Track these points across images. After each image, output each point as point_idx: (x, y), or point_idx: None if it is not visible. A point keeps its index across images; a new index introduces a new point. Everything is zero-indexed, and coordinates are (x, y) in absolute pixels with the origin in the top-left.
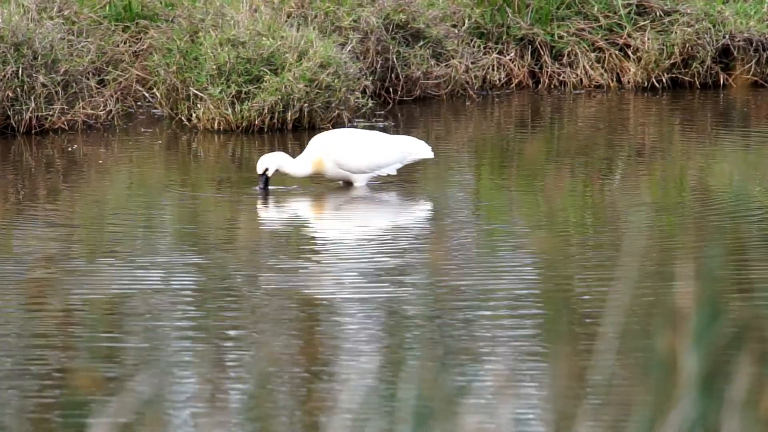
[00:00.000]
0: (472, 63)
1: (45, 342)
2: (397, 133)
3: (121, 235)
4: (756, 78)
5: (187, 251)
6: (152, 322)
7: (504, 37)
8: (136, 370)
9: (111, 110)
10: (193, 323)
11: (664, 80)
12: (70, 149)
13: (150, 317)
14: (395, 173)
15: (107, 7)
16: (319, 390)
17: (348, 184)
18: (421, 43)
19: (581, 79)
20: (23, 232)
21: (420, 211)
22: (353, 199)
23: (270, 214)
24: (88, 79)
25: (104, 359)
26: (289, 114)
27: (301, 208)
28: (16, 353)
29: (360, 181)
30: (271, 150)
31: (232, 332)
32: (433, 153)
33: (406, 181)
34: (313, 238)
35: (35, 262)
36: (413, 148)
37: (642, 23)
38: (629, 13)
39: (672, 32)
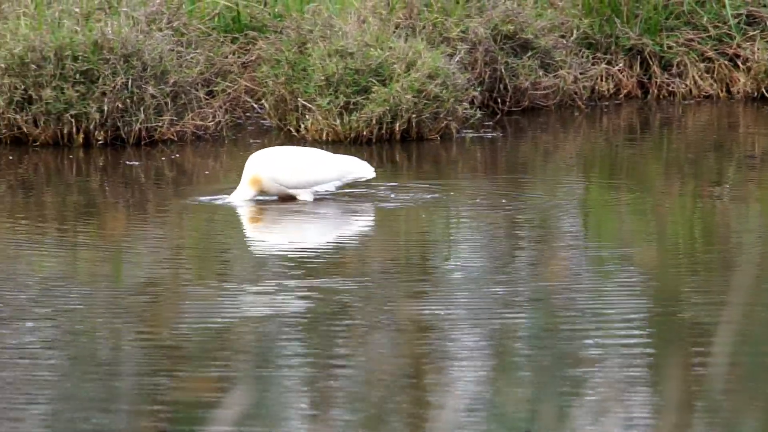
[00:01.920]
0: (581, 73)
1: (154, 370)
2: (505, 144)
3: (229, 256)
4: None
5: (294, 274)
6: (260, 349)
7: (612, 48)
8: (244, 397)
9: (220, 121)
10: (301, 349)
11: None
12: (178, 161)
13: (258, 344)
14: (334, 190)
15: (216, 19)
16: (428, 415)
17: (291, 199)
18: (530, 53)
19: (690, 90)
20: (132, 253)
21: (527, 228)
22: (460, 219)
23: (378, 234)
24: (197, 90)
25: (213, 388)
26: (398, 125)
27: (410, 227)
28: (124, 382)
29: (302, 195)
30: (380, 161)
31: (340, 357)
32: (374, 173)
33: (514, 198)
34: (423, 258)
35: (143, 286)
36: (352, 167)
37: (751, 33)
38: (739, 23)
39: None
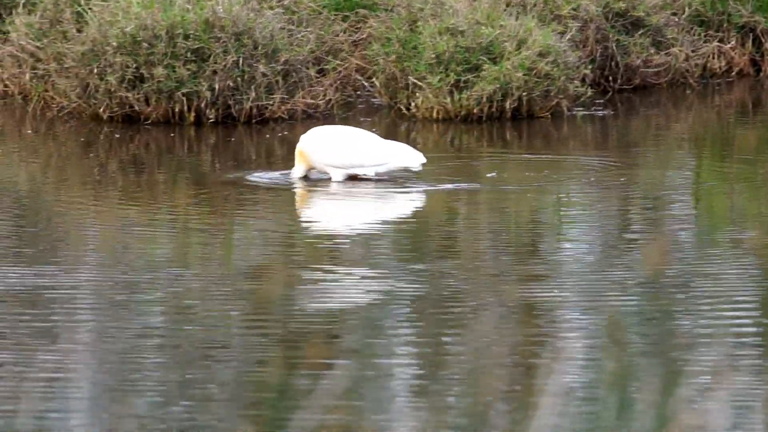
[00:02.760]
0: (693, 51)
1: (264, 354)
2: (616, 122)
3: (338, 238)
4: None
5: (403, 256)
6: (371, 331)
7: (725, 25)
8: (353, 379)
9: (330, 99)
10: (412, 332)
11: None
12: (289, 139)
13: (369, 327)
14: (374, 176)
15: None
16: (537, 399)
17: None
18: (641, 31)
19: None
20: (242, 236)
21: (639, 208)
22: (571, 198)
23: (488, 214)
24: (307, 68)
25: (324, 372)
26: (508, 103)
27: (521, 207)
28: (234, 369)
29: (335, 176)
30: (489, 139)
31: (451, 340)
32: (421, 165)
33: (627, 178)
34: (534, 239)
35: (254, 270)
36: (395, 156)
37: None
38: None
39: None
